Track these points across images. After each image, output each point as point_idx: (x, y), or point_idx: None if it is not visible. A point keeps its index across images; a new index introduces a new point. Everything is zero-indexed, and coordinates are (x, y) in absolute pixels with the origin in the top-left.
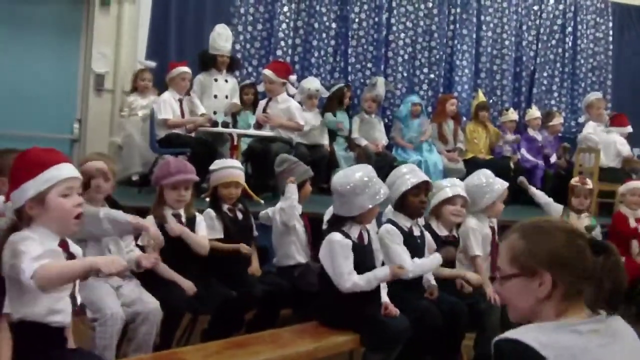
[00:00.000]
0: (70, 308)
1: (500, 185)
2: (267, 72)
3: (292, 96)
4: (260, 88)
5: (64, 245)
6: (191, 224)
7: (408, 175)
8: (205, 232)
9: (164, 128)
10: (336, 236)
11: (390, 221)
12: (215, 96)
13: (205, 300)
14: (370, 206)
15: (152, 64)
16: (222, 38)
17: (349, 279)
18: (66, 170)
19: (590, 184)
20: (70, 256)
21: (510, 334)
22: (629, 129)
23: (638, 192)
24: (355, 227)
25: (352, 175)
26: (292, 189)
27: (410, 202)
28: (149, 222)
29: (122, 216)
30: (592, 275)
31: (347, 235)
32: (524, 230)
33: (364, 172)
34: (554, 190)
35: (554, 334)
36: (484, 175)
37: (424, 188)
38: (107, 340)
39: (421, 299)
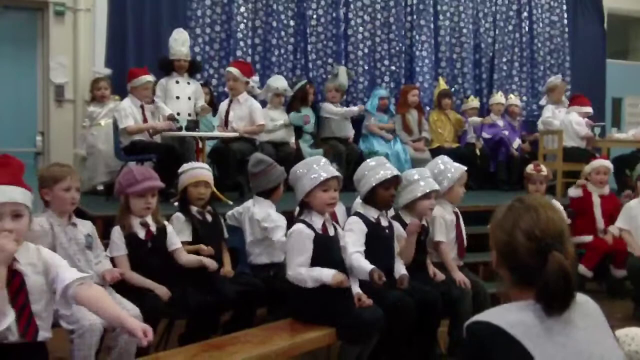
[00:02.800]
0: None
1: (457, 169)
2: (232, 69)
3: (255, 97)
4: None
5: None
6: (162, 233)
7: (378, 168)
8: (179, 242)
9: (127, 135)
10: (298, 226)
11: (357, 213)
12: (178, 97)
13: (180, 305)
14: (308, 189)
15: (107, 71)
16: (178, 43)
17: (294, 268)
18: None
19: (545, 171)
20: (12, 273)
21: (480, 316)
22: (589, 109)
23: (602, 170)
24: (317, 218)
25: (299, 163)
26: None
27: (381, 196)
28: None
29: None
30: (533, 275)
31: (310, 226)
32: (511, 202)
33: (309, 159)
34: (520, 175)
35: (520, 313)
36: (441, 162)
37: (393, 182)
38: (86, 351)
39: (393, 289)
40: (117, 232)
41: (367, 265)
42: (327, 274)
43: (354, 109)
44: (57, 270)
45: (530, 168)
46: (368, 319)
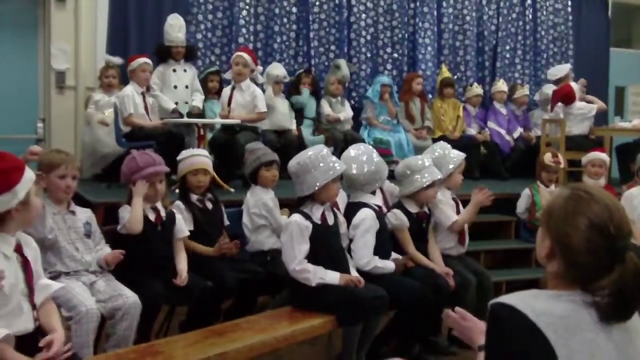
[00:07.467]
0: (27, 313)
1: (457, 156)
2: (244, 54)
3: (262, 84)
4: (227, 76)
5: (18, 248)
6: (171, 219)
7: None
8: (187, 231)
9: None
10: (295, 217)
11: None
12: (175, 87)
13: (182, 292)
14: (323, 182)
15: (119, 60)
16: (174, 29)
17: (300, 263)
18: (31, 172)
19: (562, 163)
20: (25, 261)
21: (508, 299)
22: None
23: (598, 162)
24: (317, 208)
25: (304, 154)
26: None
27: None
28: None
29: None
30: (593, 275)
31: (308, 217)
32: (573, 190)
33: (315, 151)
34: (521, 162)
35: (550, 302)
36: (439, 148)
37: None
38: (84, 337)
39: (413, 278)
40: (126, 208)
41: (390, 263)
42: (334, 277)
43: (342, 117)
44: (40, 267)
45: (548, 159)
46: (364, 294)
